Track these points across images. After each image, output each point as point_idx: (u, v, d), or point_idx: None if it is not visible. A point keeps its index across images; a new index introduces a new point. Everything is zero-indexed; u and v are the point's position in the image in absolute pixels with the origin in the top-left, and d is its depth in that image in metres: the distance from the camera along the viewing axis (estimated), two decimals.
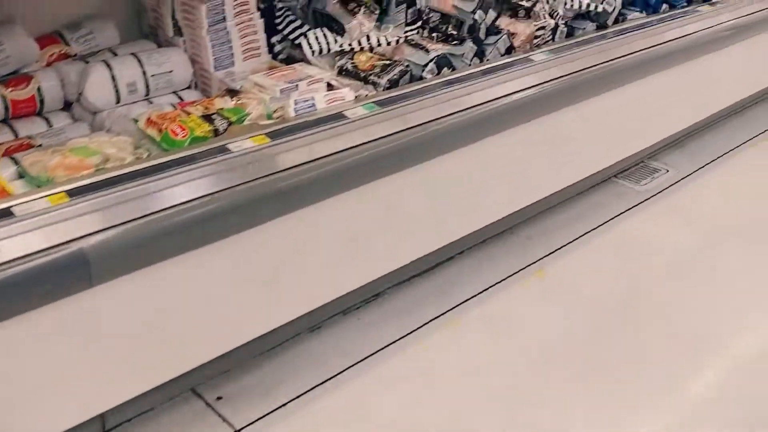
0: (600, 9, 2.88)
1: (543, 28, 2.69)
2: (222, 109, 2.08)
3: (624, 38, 3.00)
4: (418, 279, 2.66)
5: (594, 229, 3.14)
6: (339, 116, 2.10)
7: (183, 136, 1.96)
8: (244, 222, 1.81)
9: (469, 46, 2.55)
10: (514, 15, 2.78)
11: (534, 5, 2.75)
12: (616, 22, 3.12)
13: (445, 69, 2.48)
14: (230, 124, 2.02)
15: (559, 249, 2.98)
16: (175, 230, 1.66)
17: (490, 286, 2.70)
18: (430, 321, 2.49)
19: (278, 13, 2.47)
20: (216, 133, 1.99)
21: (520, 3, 2.77)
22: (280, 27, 2.46)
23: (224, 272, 1.85)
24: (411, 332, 2.41)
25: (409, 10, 2.59)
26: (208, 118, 2.03)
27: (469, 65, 2.59)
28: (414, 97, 2.26)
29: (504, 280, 2.75)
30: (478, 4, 2.55)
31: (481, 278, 2.72)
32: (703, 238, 3.06)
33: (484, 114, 2.41)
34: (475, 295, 2.63)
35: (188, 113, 2.04)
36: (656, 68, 3.16)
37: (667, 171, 3.66)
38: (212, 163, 1.82)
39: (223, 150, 1.86)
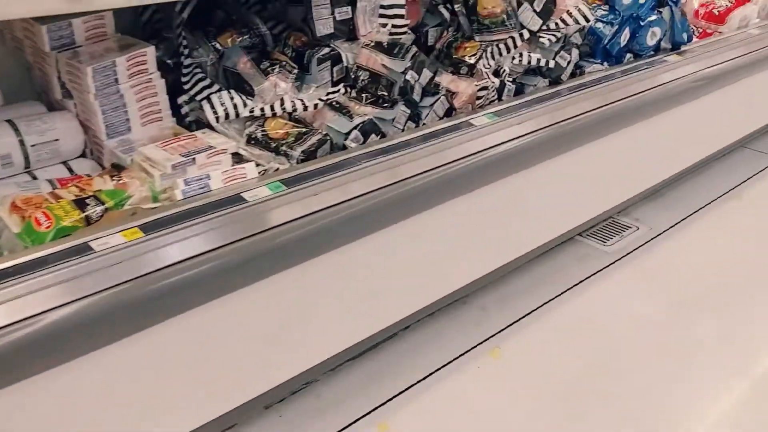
0: (552, 64, 2.62)
1: (486, 88, 2.42)
2: (99, 191, 1.80)
3: (580, 94, 2.75)
4: (350, 366, 2.37)
5: (554, 298, 2.85)
6: (236, 199, 1.82)
7: (47, 227, 1.68)
8: (103, 339, 1.52)
9: (401, 110, 2.28)
10: (456, 72, 2.52)
11: (477, 61, 2.48)
12: (573, 75, 2.86)
13: (373, 136, 2.21)
14: (106, 210, 1.74)
15: (516, 322, 2.70)
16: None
17: (436, 370, 2.41)
18: (361, 418, 2.20)
19: (186, 71, 2.20)
20: (88, 221, 1.71)
21: (463, 59, 2.51)
22: (187, 86, 2.19)
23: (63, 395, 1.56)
24: None
25: (335, 68, 2.32)
26: (80, 202, 1.74)
27: (402, 130, 2.32)
28: (331, 172, 1.99)
29: (452, 361, 2.46)
30: (410, 64, 2.27)
31: (426, 361, 2.44)
32: (671, 311, 2.78)
33: (417, 186, 2.14)
34: (413, 384, 2.34)
35: (58, 198, 1.76)
36: (618, 124, 2.91)
37: (638, 228, 3.40)
38: (68, 266, 1.53)
39: (83, 249, 1.58)
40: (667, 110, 3.17)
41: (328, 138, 2.10)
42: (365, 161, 2.08)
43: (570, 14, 2.60)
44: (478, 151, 2.30)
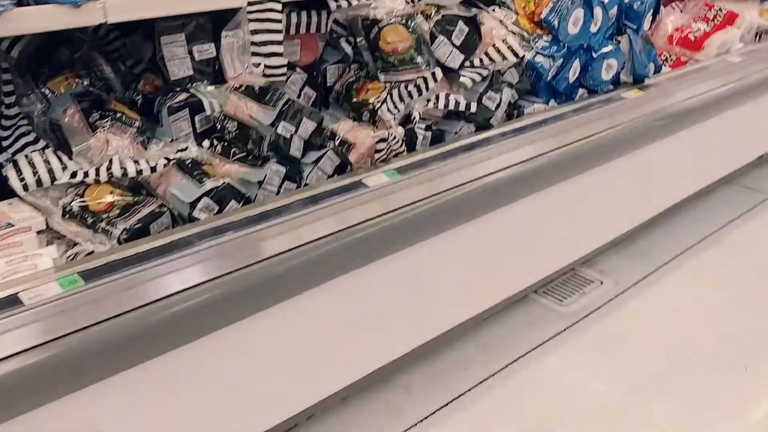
0: (474, 108, 2.18)
1: (384, 140, 1.99)
2: None
3: (514, 140, 2.32)
4: None
5: (494, 374, 2.41)
6: (12, 301, 1.40)
7: None
8: None
9: (274, 169, 1.86)
10: (357, 118, 2.10)
11: (380, 106, 2.06)
12: (510, 117, 2.43)
13: (233, 203, 1.79)
14: None
15: (447, 405, 2.26)
16: None
17: None
18: None
19: (7, 122, 1.79)
20: None
21: (365, 102, 2.08)
22: (7, 142, 1.78)
23: None
24: None
25: (197, 118, 1.90)
26: None
27: (277, 193, 1.90)
28: (152, 259, 1.56)
29: None
30: (279, 114, 1.85)
31: None
32: (628, 389, 2.33)
33: (283, 269, 1.72)
34: None
35: None
36: (565, 172, 2.48)
37: (601, 283, 2.95)
38: None
39: None
40: (629, 152, 2.73)
41: (165, 210, 1.67)
42: (210, 239, 1.66)
43: (497, 49, 2.17)
44: (371, 219, 1.88)
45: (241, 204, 1.80)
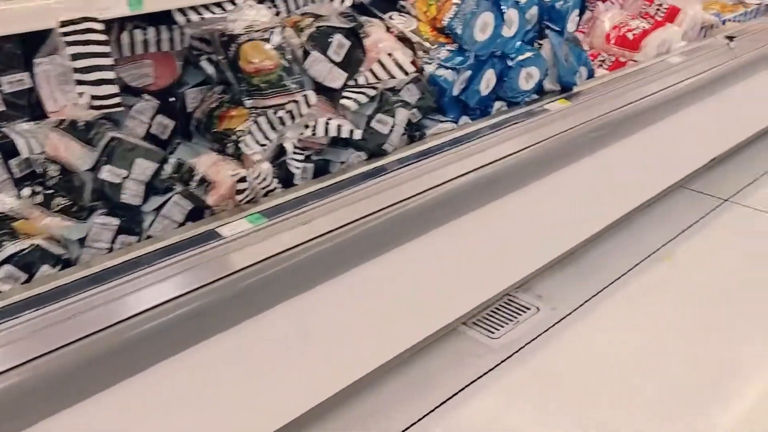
0: (358, 135, 1.87)
1: (244, 179, 1.67)
2: None
3: (416, 167, 2.01)
4: None
5: (418, 420, 2.13)
6: None
7: None
8: None
9: (101, 222, 1.55)
10: (222, 151, 1.79)
11: (246, 134, 1.74)
12: (412, 140, 2.13)
13: (47, 268, 1.47)
14: None
15: None
16: None
17: None
18: None
19: None
20: None
21: (227, 131, 1.77)
22: None
23: None
24: None
25: (13, 161, 1.58)
26: None
27: (110, 250, 1.58)
28: None
29: None
30: (102, 155, 1.52)
31: None
32: None
33: (115, 346, 1.41)
34: None
35: None
36: (480, 198, 2.19)
37: (538, 310, 2.67)
38: None
39: None
40: (557, 169, 2.45)
41: None
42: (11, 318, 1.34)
43: (383, 65, 1.86)
44: (222, 278, 1.57)
45: (58, 268, 1.48)
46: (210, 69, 1.85)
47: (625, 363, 2.37)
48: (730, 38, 3.24)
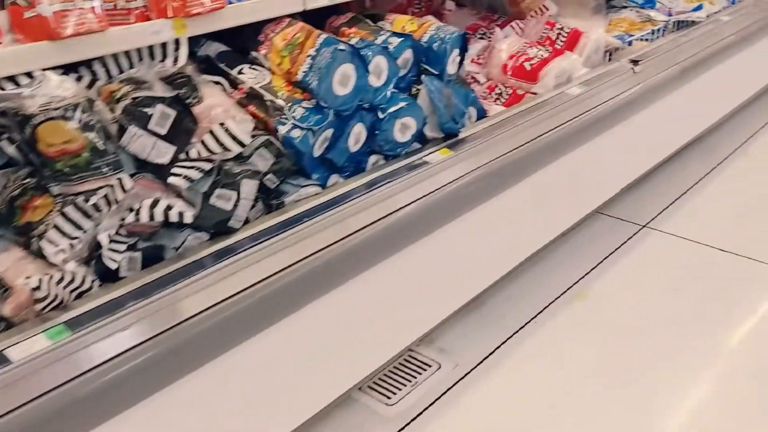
0: (188, 218, 1.62)
1: (38, 287, 1.41)
2: None
3: (272, 243, 1.78)
4: None
5: None
6: None
7: None
8: None
9: None
10: (27, 246, 1.53)
11: (50, 228, 1.49)
12: (270, 209, 1.89)
13: None
14: None
15: None
16: None
17: None
18: None
19: None
20: None
21: (30, 224, 1.51)
22: None
23: None
24: None
25: None
26: None
27: None
28: None
29: None
30: None
31: None
32: None
33: None
34: None
35: None
36: (351, 271, 1.98)
37: (439, 366, 2.47)
38: None
39: None
40: (446, 222, 2.26)
41: None
42: None
43: (215, 136, 1.62)
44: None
45: None
46: (10, 149, 1.59)
47: (531, 427, 2.18)
48: (635, 62, 3.09)
